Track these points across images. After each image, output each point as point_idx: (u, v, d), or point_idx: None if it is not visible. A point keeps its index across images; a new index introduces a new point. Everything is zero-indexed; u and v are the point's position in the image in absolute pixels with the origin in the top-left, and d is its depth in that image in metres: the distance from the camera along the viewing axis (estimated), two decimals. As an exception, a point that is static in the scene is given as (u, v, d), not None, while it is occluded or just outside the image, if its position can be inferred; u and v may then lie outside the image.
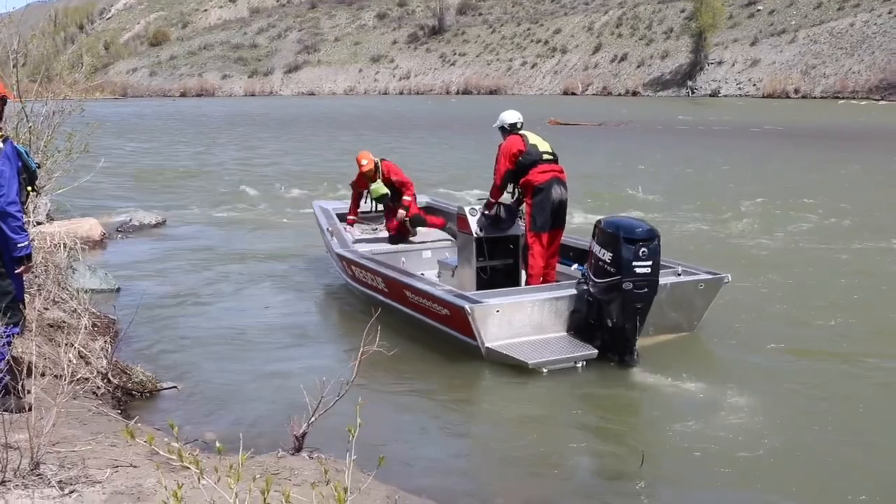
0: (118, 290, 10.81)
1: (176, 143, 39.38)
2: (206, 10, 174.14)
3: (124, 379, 7.12)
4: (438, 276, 10.24)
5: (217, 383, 7.64)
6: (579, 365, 7.73)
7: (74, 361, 6.22)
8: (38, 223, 11.99)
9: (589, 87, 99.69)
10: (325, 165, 27.79)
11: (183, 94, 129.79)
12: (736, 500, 5.46)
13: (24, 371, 5.70)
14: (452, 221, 10.59)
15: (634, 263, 7.47)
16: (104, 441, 5.37)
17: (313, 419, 5.47)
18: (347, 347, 8.60)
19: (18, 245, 5.70)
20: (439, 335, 8.40)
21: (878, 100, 70.67)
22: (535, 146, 9.12)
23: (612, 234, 7.59)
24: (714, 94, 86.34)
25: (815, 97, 77.30)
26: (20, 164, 5.86)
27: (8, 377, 5.29)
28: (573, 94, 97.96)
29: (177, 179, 24.67)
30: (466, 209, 9.53)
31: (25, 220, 5.98)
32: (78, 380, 6.01)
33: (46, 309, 7.91)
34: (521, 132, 9.31)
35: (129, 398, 7.05)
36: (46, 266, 9.08)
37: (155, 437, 3.53)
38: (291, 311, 10.15)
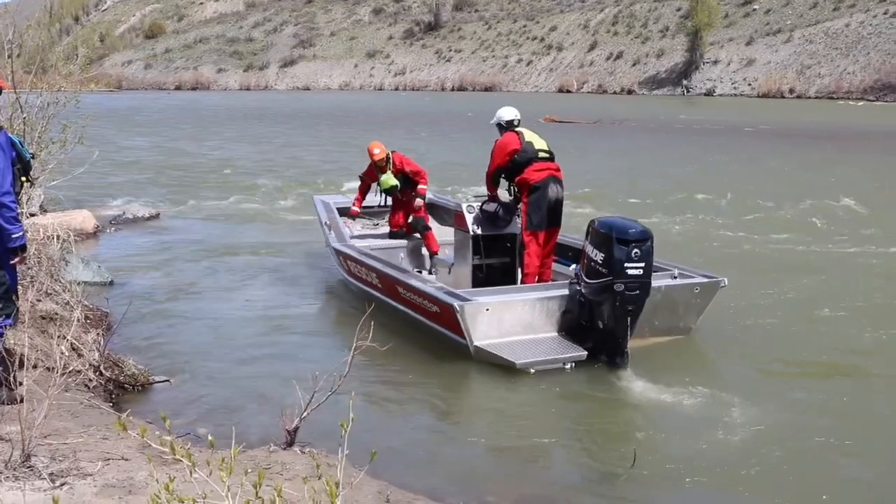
0: (111, 282, 10.78)
1: (171, 136, 39.31)
2: (201, 4, 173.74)
3: (116, 372, 7.11)
4: (435, 273, 10.22)
5: (210, 377, 7.63)
6: (568, 366, 7.67)
7: (67, 354, 6.21)
8: (32, 215, 11.97)
9: (584, 85, 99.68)
10: (326, 160, 27.79)
11: (178, 88, 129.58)
12: (727, 502, 5.47)
13: (16, 363, 5.69)
14: (452, 218, 10.53)
15: (627, 265, 7.39)
16: (96, 434, 5.37)
17: (305, 414, 5.47)
18: (341, 342, 8.58)
19: (13, 235, 5.69)
20: (431, 332, 8.37)
21: (872, 100, 70.77)
22: (530, 143, 9.04)
23: (605, 235, 7.51)
24: (709, 94, 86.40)
25: (809, 97, 77.37)
26: (14, 154, 5.84)
27: (0, 369, 5.28)
28: (568, 91, 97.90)
29: (172, 172, 24.61)
30: (464, 206, 9.48)
31: (19, 210, 5.96)
32: (70, 372, 6.01)
33: (39, 301, 7.90)
34: (517, 129, 9.23)
35: (121, 391, 7.04)
36: (39, 258, 9.06)
37: (147, 430, 3.52)
38: (286, 306, 10.14)
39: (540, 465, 6.00)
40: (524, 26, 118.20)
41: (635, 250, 7.39)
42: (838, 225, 15.24)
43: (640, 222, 7.77)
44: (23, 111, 12.91)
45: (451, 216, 10.69)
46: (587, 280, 7.71)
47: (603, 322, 7.69)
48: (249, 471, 3.70)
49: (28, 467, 4.54)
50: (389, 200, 11.31)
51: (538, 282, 8.96)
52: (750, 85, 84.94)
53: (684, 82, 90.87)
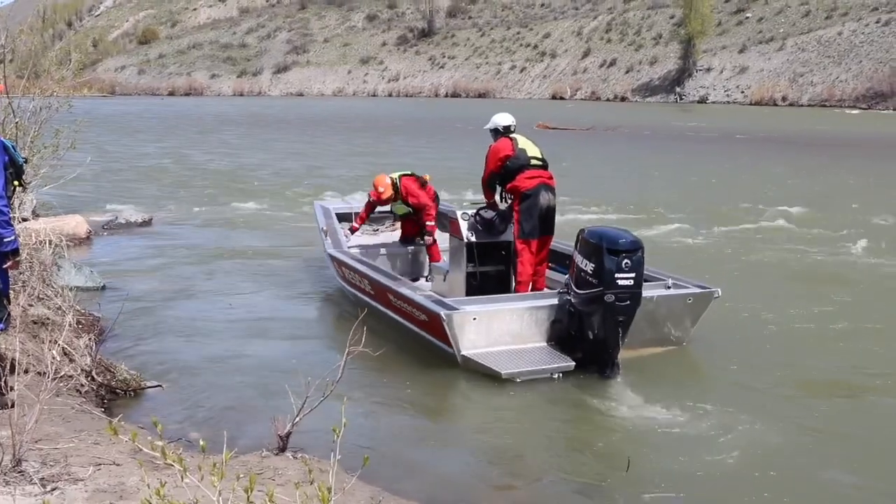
0: (103, 287, 10.76)
1: (165, 141, 39.26)
2: (195, 9, 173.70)
3: (108, 377, 7.09)
4: (432, 280, 10.19)
5: (202, 382, 7.61)
6: (556, 376, 7.61)
7: (58, 358, 6.19)
8: (24, 219, 11.93)
9: (577, 92, 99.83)
10: (324, 167, 27.77)
11: (171, 93, 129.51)
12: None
13: (8, 367, 5.68)
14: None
15: (617, 275, 7.31)
16: (87, 439, 5.35)
17: (298, 419, 5.46)
18: (334, 348, 8.58)
19: (5, 240, 5.68)
20: (421, 340, 8.33)
21: (865, 108, 70.99)
22: (523, 150, 8.99)
23: (595, 245, 7.42)
24: (702, 101, 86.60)
25: (802, 105, 77.62)
26: (7, 158, 5.84)
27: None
28: (562, 98, 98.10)
29: (165, 178, 24.58)
30: (458, 213, 9.42)
31: (12, 215, 5.95)
32: (61, 377, 5.99)
33: (31, 305, 7.87)
34: (511, 136, 9.17)
35: (113, 396, 7.02)
36: (31, 263, 9.03)
37: (138, 434, 3.51)
38: (280, 311, 10.12)
39: (532, 471, 5.99)
40: (518, 33, 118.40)
41: (626, 261, 7.31)
42: (835, 234, 15.17)
43: (630, 232, 7.70)
44: (15, 116, 12.88)
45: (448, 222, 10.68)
46: (577, 290, 7.63)
47: (593, 332, 7.62)
48: (241, 476, 3.69)
49: (19, 472, 4.52)
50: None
51: (532, 290, 8.92)
52: (743, 93, 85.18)
53: (677, 90, 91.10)
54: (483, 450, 6.36)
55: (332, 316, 10.22)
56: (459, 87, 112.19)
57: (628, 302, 7.42)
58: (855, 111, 68.77)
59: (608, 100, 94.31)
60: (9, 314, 5.96)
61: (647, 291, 8.05)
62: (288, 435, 5.53)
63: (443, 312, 7.64)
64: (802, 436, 6.48)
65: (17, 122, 12.87)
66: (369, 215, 11.25)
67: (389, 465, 5.84)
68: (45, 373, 5.35)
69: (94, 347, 7.20)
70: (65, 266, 10.49)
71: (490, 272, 9.41)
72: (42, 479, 4.50)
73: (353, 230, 11.16)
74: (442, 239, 10.82)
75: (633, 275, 7.35)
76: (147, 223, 16.11)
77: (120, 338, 8.61)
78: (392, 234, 11.82)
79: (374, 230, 11.87)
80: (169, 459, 3.25)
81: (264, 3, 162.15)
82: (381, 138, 41.07)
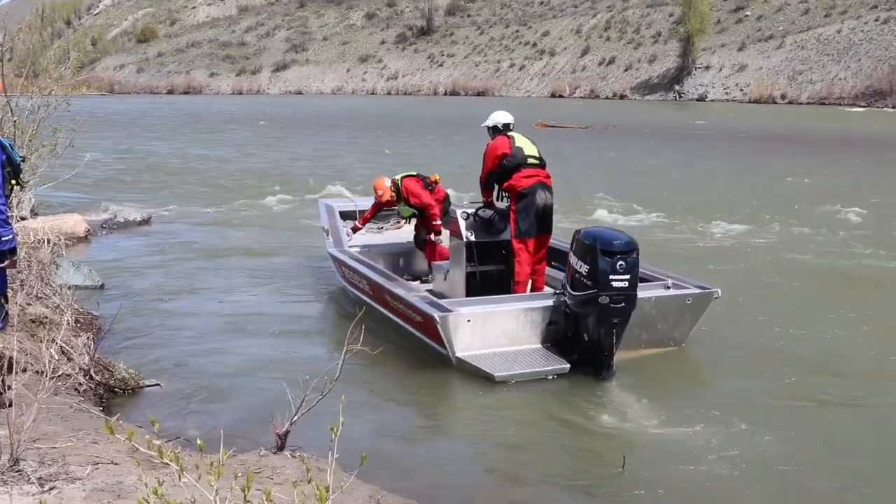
0: (102, 286, 10.75)
1: (164, 139, 39.21)
2: (194, 8, 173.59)
3: (107, 376, 7.08)
4: (433, 280, 10.16)
5: (200, 381, 7.60)
6: (551, 378, 7.57)
7: (56, 357, 6.18)
8: (23, 218, 11.93)
9: (577, 90, 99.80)
10: (325, 165, 27.76)
11: (170, 92, 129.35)
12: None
13: (5, 366, 5.68)
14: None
15: (611, 277, 7.27)
16: (85, 438, 5.34)
17: (296, 418, 5.45)
18: (332, 346, 8.58)
19: (3, 239, 5.69)
20: (419, 340, 8.30)
21: (864, 106, 71.00)
22: (520, 149, 8.93)
23: (590, 246, 7.38)
24: (701, 99, 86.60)
25: (801, 103, 77.60)
26: (4, 157, 5.84)
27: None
28: (561, 96, 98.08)
29: (164, 177, 24.54)
30: (458, 212, 9.35)
31: (10, 214, 5.95)
32: (59, 376, 5.98)
33: (29, 304, 7.86)
34: (509, 134, 9.12)
35: (111, 395, 7.01)
36: (30, 261, 9.02)
37: (135, 433, 3.50)
38: (279, 309, 10.12)
39: (528, 470, 5.99)
40: (517, 31, 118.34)
41: (620, 262, 7.27)
42: (836, 234, 15.11)
43: (625, 233, 7.65)
44: (13, 114, 12.87)
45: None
46: (572, 292, 7.60)
47: (588, 334, 7.59)
48: (239, 475, 3.69)
49: (16, 471, 4.51)
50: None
51: (532, 290, 8.88)
52: (742, 90, 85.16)
53: (676, 88, 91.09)
54: (480, 449, 6.35)
55: (331, 315, 10.21)
56: (458, 85, 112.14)
57: (623, 304, 7.38)
58: (859, 108, 68.63)
59: (607, 98, 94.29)
60: (7, 313, 5.96)
61: (646, 292, 8.03)
62: (286, 434, 5.52)
63: (436, 315, 7.60)
64: (799, 438, 6.43)
65: (15, 121, 12.87)
66: (373, 216, 11.19)
67: (387, 464, 5.83)
68: (43, 371, 5.34)
69: (92, 346, 7.19)
70: (63, 265, 10.48)
71: (490, 272, 9.35)
72: (40, 478, 4.50)
73: (355, 229, 11.12)
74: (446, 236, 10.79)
75: (627, 276, 7.31)
76: (146, 222, 16.09)
77: (118, 336, 8.60)
78: (396, 232, 11.77)
79: (378, 228, 11.84)
80: (166, 458, 3.25)
81: (263, 2, 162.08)
82: (389, 136, 41.04)
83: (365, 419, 6.66)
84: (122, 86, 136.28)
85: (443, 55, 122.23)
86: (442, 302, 8.11)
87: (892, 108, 68.69)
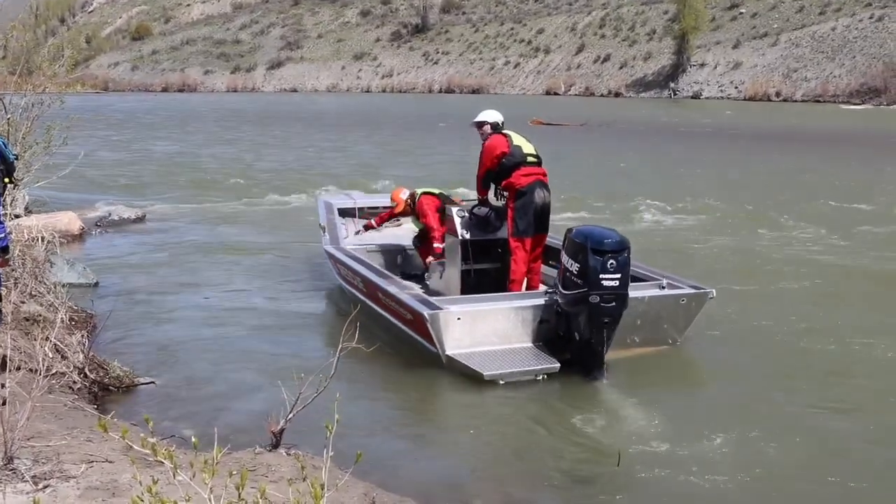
0: (96, 284, 10.73)
1: (157, 137, 39.17)
2: (188, 5, 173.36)
3: (101, 374, 7.07)
4: (429, 278, 10.13)
5: (195, 379, 7.60)
6: (541, 377, 7.53)
7: (51, 355, 6.17)
8: (17, 216, 11.89)
9: (572, 88, 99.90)
10: (321, 162, 27.76)
11: (165, 89, 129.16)
12: None
13: (-1, 364, 5.66)
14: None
15: (602, 276, 7.20)
16: (79, 436, 5.33)
17: (291, 416, 5.44)
18: (327, 344, 8.56)
19: (-5, 237, 5.66)
20: (411, 338, 8.26)
21: (858, 104, 71.11)
22: (519, 147, 8.87)
23: (581, 245, 7.32)
24: (696, 97, 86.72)
25: (796, 100, 77.71)
26: (-3, 155, 5.81)
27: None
28: (556, 94, 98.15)
29: (159, 174, 24.51)
30: (454, 210, 9.32)
31: (3, 212, 5.93)
32: (54, 374, 5.97)
33: (23, 302, 7.85)
34: (505, 132, 9.07)
35: (105, 393, 7.00)
36: (24, 259, 9.01)
37: (129, 431, 3.50)
38: (274, 307, 10.11)
39: (525, 467, 5.98)
40: (511, 29, 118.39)
41: (611, 261, 7.21)
42: (832, 232, 15.04)
43: (618, 231, 7.60)
44: (7, 112, 12.83)
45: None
46: (563, 291, 7.55)
47: (579, 334, 7.54)
48: (234, 473, 3.67)
49: (10, 470, 4.50)
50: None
51: (527, 289, 8.83)
52: (737, 88, 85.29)
53: (671, 85, 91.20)
54: (475, 446, 6.36)
55: (327, 313, 10.19)
56: (453, 82, 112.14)
57: (613, 303, 7.31)
58: (856, 106, 68.62)
59: (602, 95, 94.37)
60: (0, 311, 5.94)
61: (639, 291, 8.01)
62: (281, 431, 5.52)
63: (426, 312, 7.56)
64: (793, 440, 6.40)
65: (8, 119, 12.82)
66: (389, 219, 11.05)
67: (382, 462, 5.83)
68: (37, 370, 5.33)
69: (86, 344, 7.18)
70: (57, 263, 10.46)
71: (486, 270, 9.32)
72: (34, 476, 4.48)
73: (368, 227, 11.05)
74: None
75: (618, 276, 7.25)
76: (140, 220, 16.08)
77: (113, 334, 8.58)
78: (396, 230, 11.74)
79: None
80: (160, 456, 3.24)
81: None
82: (373, 133, 41.03)
83: (360, 417, 6.65)
84: (117, 84, 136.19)
85: (438, 53, 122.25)
86: (432, 299, 8.07)
87: (888, 105, 68.77)
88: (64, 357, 6.79)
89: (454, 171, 22.57)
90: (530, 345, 7.95)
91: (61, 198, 17.18)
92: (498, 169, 8.91)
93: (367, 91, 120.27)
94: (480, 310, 7.92)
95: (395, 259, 10.88)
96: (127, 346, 8.43)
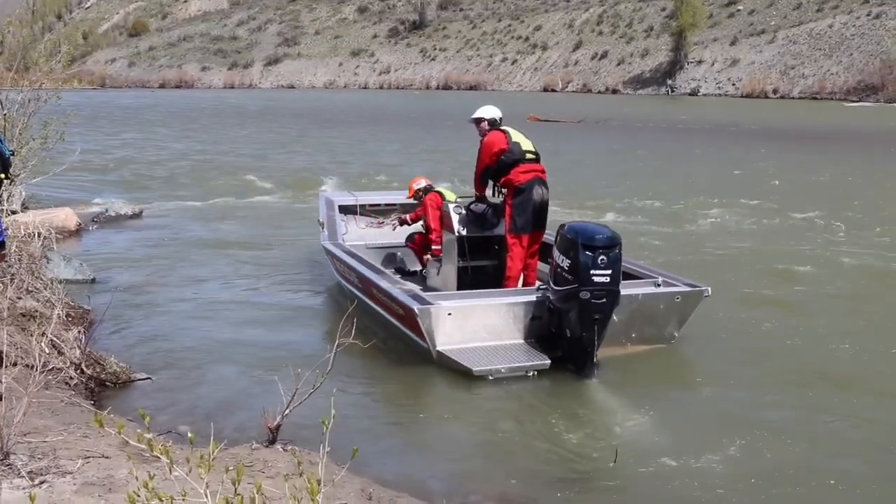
0: (93, 280, 10.71)
1: (155, 134, 39.14)
2: (185, 2, 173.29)
3: (98, 369, 7.06)
4: (427, 275, 10.12)
5: (191, 374, 7.59)
6: (531, 373, 7.51)
7: (47, 351, 6.17)
8: (13, 212, 11.89)
9: (569, 84, 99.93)
10: (319, 159, 27.73)
11: (162, 86, 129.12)
12: None
13: (-4, 360, 5.65)
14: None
15: (592, 272, 7.16)
16: (76, 432, 5.33)
17: (287, 411, 5.45)
18: (324, 340, 8.56)
19: (-9, 233, 5.65)
20: (402, 334, 8.24)
21: (855, 101, 71.15)
22: (517, 144, 8.83)
23: (572, 241, 7.28)
24: (693, 93, 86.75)
25: (793, 97, 77.74)
26: (-7, 151, 5.80)
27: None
28: (553, 90, 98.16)
29: (155, 170, 24.48)
30: (451, 206, 9.30)
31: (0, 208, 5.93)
32: (50, 370, 5.97)
33: (19, 298, 7.84)
34: (503, 128, 9.02)
35: (102, 389, 7.00)
36: (20, 255, 9.00)
37: (125, 427, 3.49)
38: (271, 303, 10.10)
39: (522, 462, 5.97)
40: (509, 25, 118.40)
41: (602, 257, 7.18)
42: (830, 230, 15.03)
43: (609, 227, 7.56)
44: (3, 108, 12.83)
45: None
46: (554, 287, 7.53)
47: (570, 330, 7.50)
48: (230, 468, 3.68)
49: (7, 465, 4.50)
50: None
51: (524, 285, 8.81)
52: (734, 85, 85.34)
53: (669, 82, 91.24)
54: (472, 442, 6.36)
55: (324, 309, 10.19)
56: (451, 79, 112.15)
57: (604, 299, 7.27)
58: (859, 103, 68.56)
59: (599, 92, 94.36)
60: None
61: (633, 289, 8.00)
62: (278, 427, 5.52)
63: (416, 307, 7.54)
64: (786, 439, 6.37)
65: (5, 114, 12.82)
66: (415, 221, 10.70)
67: (379, 458, 5.84)
68: (33, 365, 5.33)
69: (83, 340, 7.18)
70: (54, 259, 10.45)
71: (483, 266, 9.28)
72: (30, 472, 4.48)
73: (402, 222, 10.73)
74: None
75: (609, 271, 7.21)
76: (137, 216, 16.06)
77: (109, 330, 8.58)
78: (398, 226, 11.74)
79: (379, 223, 11.79)
80: (156, 452, 3.24)
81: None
82: (372, 130, 41.02)
83: (357, 413, 6.65)
84: (114, 80, 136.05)
85: (435, 49, 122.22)
86: (424, 295, 8.03)
87: (885, 102, 68.80)
88: (60, 353, 6.78)
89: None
90: (522, 341, 7.93)
91: (58, 194, 17.17)
92: (496, 166, 8.87)
93: (365, 87, 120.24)
94: (471, 305, 7.91)
95: (394, 256, 10.87)
96: (123, 341, 8.42)
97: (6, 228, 6.50)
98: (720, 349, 8.41)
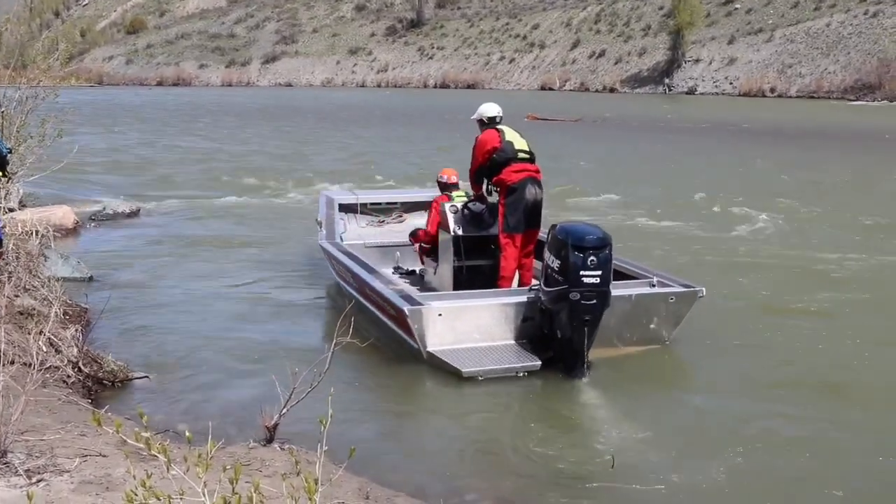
0: (90, 278, 10.71)
1: (152, 131, 39.10)
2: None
3: (95, 368, 7.06)
4: (424, 274, 10.12)
5: (189, 373, 7.60)
6: (521, 374, 7.48)
7: (45, 349, 6.17)
8: (10, 210, 11.88)
9: (567, 83, 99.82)
10: (317, 158, 27.71)
11: (159, 83, 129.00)
12: None
13: (-7, 358, 5.65)
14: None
15: (582, 273, 7.14)
16: (73, 430, 5.33)
17: (285, 410, 5.45)
18: (322, 339, 8.57)
19: (-11, 231, 5.65)
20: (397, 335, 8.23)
21: (853, 100, 71.13)
22: (510, 143, 8.81)
23: (562, 241, 7.26)
24: (691, 92, 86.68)
25: (790, 96, 77.71)
26: (-9, 149, 5.80)
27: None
28: (551, 89, 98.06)
29: (152, 169, 24.46)
30: (447, 206, 9.27)
31: (-4, 206, 5.93)
32: (48, 368, 5.97)
33: (17, 296, 7.84)
34: (498, 127, 9.01)
35: (100, 387, 7.00)
36: (17, 253, 9.00)
37: (124, 425, 3.50)
38: (268, 302, 10.09)
39: (518, 463, 5.97)
40: (507, 24, 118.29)
41: (591, 258, 7.15)
42: (824, 230, 14.99)
43: (600, 228, 7.51)
44: (1, 105, 12.82)
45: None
46: (545, 287, 7.52)
47: (561, 331, 7.47)
48: (228, 467, 3.68)
49: (4, 464, 4.50)
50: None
51: (520, 285, 8.80)
52: (731, 84, 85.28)
53: (666, 81, 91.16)
54: (469, 442, 6.36)
55: (322, 308, 10.18)
56: (448, 77, 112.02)
57: (594, 301, 7.24)
58: (859, 102, 68.46)
59: (597, 91, 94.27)
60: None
61: (627, 290, 7.99)
62: (275, 426, 5.53)
63: (406, 308, 7.52)
64: (781, 443, 6.34)
65: (2, 112, 12.82)
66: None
67: (376, 457, 5.84)
68: (31, 364, 5.33)
69: (80, 338, 7.18)
70: (51, 256, 10.45)
71: (479, 266, 9.21)
72: (27, 470, 4.48)
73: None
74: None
75: (599, 272, 7.18)
76: (135, 214, 16.04)
77: (107, 328, 8.57)
78: (398, 225, 11.71)
79: (379, 222, 11.77)
80: (154, 451, 3.24)
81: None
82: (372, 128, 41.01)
83: (354, 412, 6.65)
84: (111, 77, 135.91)
85: (433, 48, 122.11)
86: (414, 295, 8.03)
87: (883, 101, 68.75)
88: (58, 351, 6.78)
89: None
90: (513, 342, 7.91)
91: (56, 191, 17.16)
92: (489, 164, 8.87)
93: (362, 86, 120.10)
94: (462, 306, 7.89)
95: (393, 255, 10.84)
96: (121, 340, 8.42)
97: (4, 226, 6.50)
98: (715, 350, 8.38)
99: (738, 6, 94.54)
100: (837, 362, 8.12)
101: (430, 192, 11.65)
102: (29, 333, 6.47)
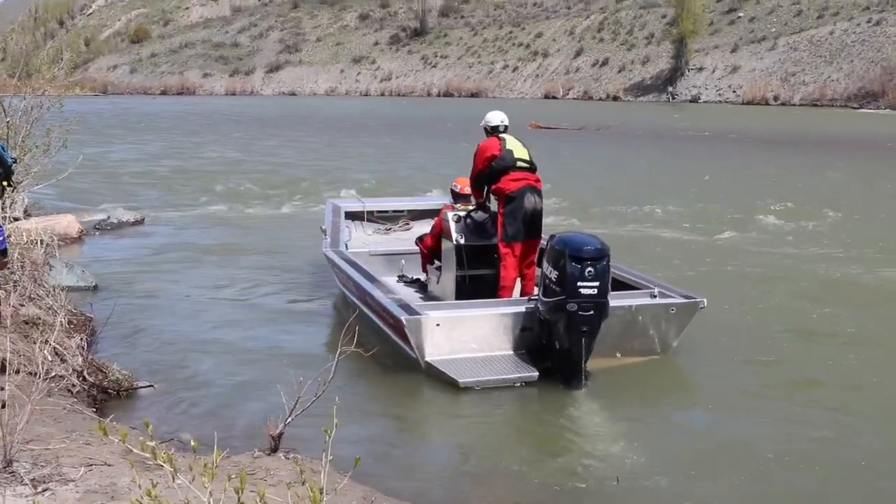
0: (95, 287, 10.73)
1: (157, 141, 39.15)
2: (187, 8, 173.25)
3: (100, 377, 7.07)
4: (429, 282, 10.11)
5: (194, 382, 7.60)
6: (518, 384, 7.47)
7: (50, 359, 6.18)
8: (16, 219, 11.90)
9: (570, 92, 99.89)
10: (320, 167, 27.71)
11: (164, 92, 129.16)
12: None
13: (-1, 368, 5.66)
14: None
15: (579, 283, 7.11)
16: (78, 439, 5.33)
17: (290, 419, 5.46)
18: (327, 348, 8.56)
19: (-6, 240, 5.67)
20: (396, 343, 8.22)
21: (856, 108, 71.10)
22: (510, 152, 8.80)
23: (560, 252, 7.23)
24: (694, 100, 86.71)
25: (794, 104, 77.70)
26: (-3, 159, 5.82)
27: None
28: (554, 97, 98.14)
29: (157, 178, 24.48)
30: (449, 214, 9.26)
31: (1, 215, 5.94)
32: (53, 377, 5.98)
33: (22, 305, 7.84)
34: (500, 135, 9.01)
35: (104, 397, 7.00)
36: (23, 262, 9.00)
37: (129, 435, 3.51)
38: (273, 311, 10.10)
39: (518, 473, 5.96)
40: (510, 32, 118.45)
41: (589, 269, 7.11)
42: (826, 239, 14.94)
43: (599, 238, 7.48)
44: (6, 115, 12.85)
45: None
46: (543, 298, 7.49)
47: (559, 342, 7.44)
48: (233, 476, 3.69)
49: (10, 473, 4.51)
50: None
51: (521, 295, 8.79)
52: (735, 92, 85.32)
53: (669, 89, 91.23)
54: (471, 452, 6.34)
55: (327, 317, 10.18)
56: (452, 86, 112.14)
57: (592, 312, 7.21)
58: (863, 110, 68.36)
59: (600, 99, 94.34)
60: None
61: (627, 300, 7.98)
62: (280, 435, 5.53)
63: (404, 318, 7.51)
64: (782, 452, 6.29)
65: (8, 122, 12.85)
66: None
67: (381, 466, 5.84)
68: (36, 373, 5.34)
69: (85, 347, 7.19)
70: (56, 265, 10.46)
71: (482, 276, 9.18)
72: (33, 479, 4.49)
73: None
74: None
75: (596, 283, 7.15)
76: (139, 223, 16.07)
77: (112, 338, 8.59)
78: (404, 233, 11.70)
79: (386, 230, 11.75)
80: (159, 460, 3.25)
81: (256, 3, 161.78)
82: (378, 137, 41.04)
83: (359, 421, 6.65)
84: (116, 86, 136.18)
85: (436, 56, 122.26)
86: (414, 305, 8.00)
87: (886, 109, 68.67)
88: (63, 360, 6.79)
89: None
90: (511, 353, 7.88)
91: (60, 201, 17.19)
92: (488, 172, 8.87)
93: (366, 95, 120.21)
94: (460, 316, 7.87)
95: (398, 263, 10.81)
96: (126, 349, 8.43)
97: (9, 235, 6.52)
98: (716, 362, 8.34)
99: (741, 14, 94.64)
100: (843, 375, 8.07)
101: (438, 200, 11.68)
102: (34, 343, 6.49)
